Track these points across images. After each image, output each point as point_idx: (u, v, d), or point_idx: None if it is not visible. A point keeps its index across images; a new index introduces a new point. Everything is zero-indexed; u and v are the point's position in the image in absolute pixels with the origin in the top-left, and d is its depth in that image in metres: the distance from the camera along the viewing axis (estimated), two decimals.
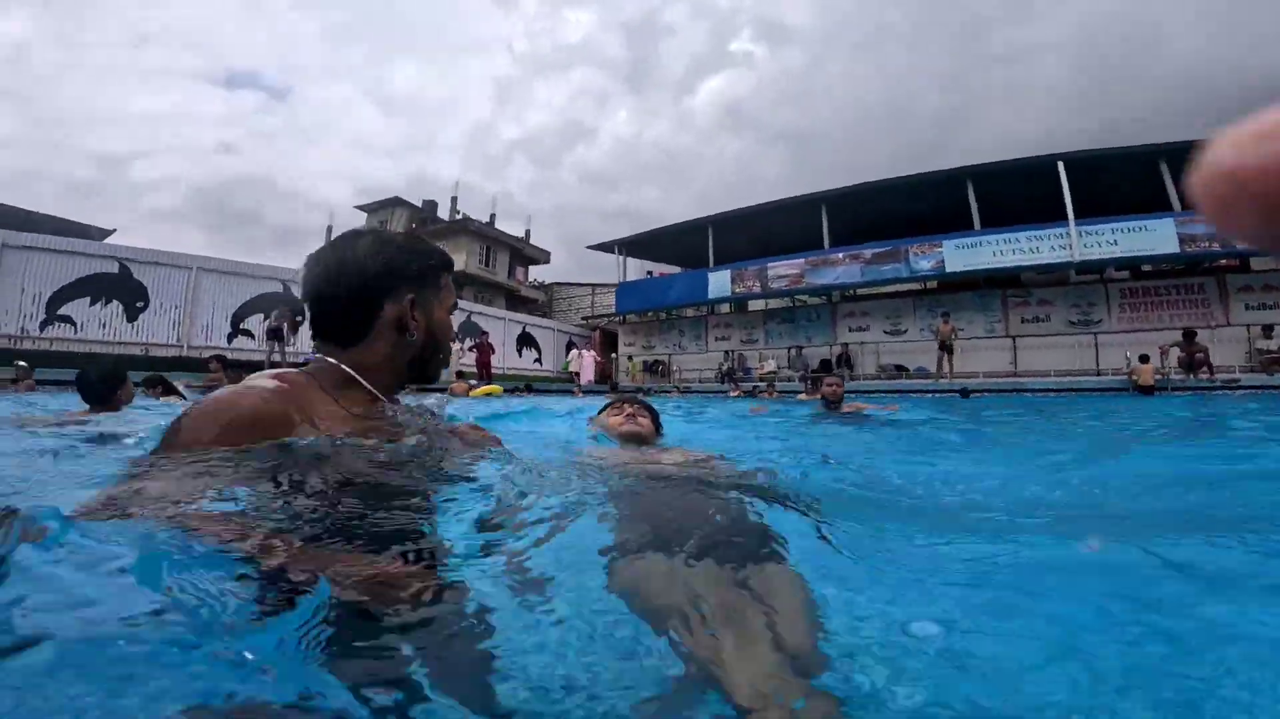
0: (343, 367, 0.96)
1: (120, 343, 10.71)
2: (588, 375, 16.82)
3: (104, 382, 3.03)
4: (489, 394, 9.83)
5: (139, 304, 10.98)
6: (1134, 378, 10.53)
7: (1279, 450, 3.45)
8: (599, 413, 2.20)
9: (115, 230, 17.36)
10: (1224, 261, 13.31)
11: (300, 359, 10.41)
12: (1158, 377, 10.53)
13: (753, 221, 17.47)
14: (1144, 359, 10.67)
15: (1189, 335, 11.35)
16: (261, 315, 12.09)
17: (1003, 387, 11.76)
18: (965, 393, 10.77)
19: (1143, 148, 12.77)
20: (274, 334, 10.81)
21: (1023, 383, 11.95)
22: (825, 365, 16.04)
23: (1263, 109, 0.19)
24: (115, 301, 10.80)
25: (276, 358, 10.72)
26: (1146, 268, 14.12)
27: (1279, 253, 0.20)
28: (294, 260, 14.54)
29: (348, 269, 0.96)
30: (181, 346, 11.28)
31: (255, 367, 9.92)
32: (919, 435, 4.05)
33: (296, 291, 12.96)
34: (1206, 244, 12.13)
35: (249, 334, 11.92)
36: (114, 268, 10.78)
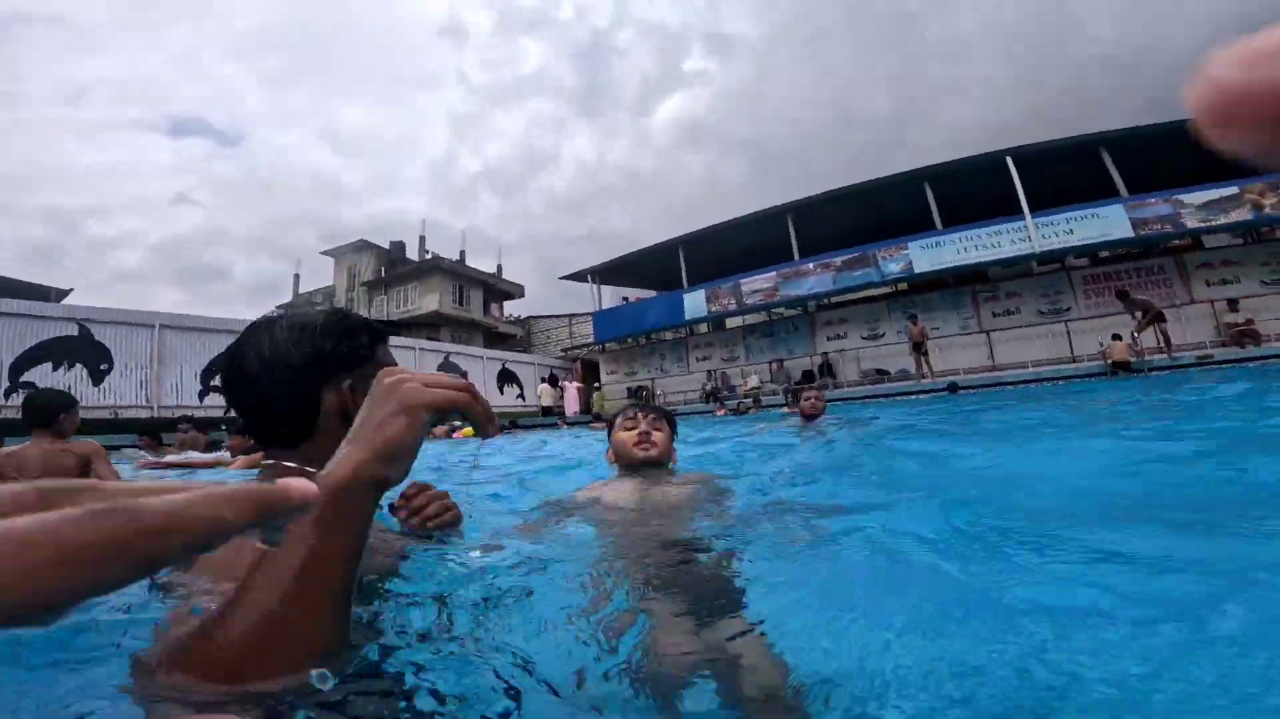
0: (304, 467, 0.84)
1: (87, 407, 10.27)
2: (572, 408, 16.72)
3: (51, 404, 3.04)
4: (467, 436, 9.63)
5: (103, 366, 10.63)
6: (1109, 358, 10.73)
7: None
8: (614, 427, 2.13)
9: (72, 290, 16.94)
10: (1178, 242, 13.75)
11: None
12: (1134, 357, 10.73)
13: (722, 238, 17.66)
14: (1116, 337, 10.90)
15: (1121, 295, 11.54)
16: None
17: (985, 381, 11.86)
18: (954, 388, 10.84)
19: (1084, 138, 13.32)
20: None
21: (1003, 376, 12.08)
22: (808, 376, 16.09)
23: (1262, 30, 0.20)
24: (79, 365, 10.46)
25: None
26: (1104, 254, 14.55)
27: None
28: (262, 311, 14.26)
29: (273, 367, 0.85)
30: (151, 408, 10.92)
31: (225, 423, 9.57)
32: (918, 436, 4.01)
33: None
34: (1159, 226, 12.59)
35: (220, 390, 11.62)
36: (74, 329, 10.45)
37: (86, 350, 10.52)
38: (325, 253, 28.69)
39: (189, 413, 10.83)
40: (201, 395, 11.39)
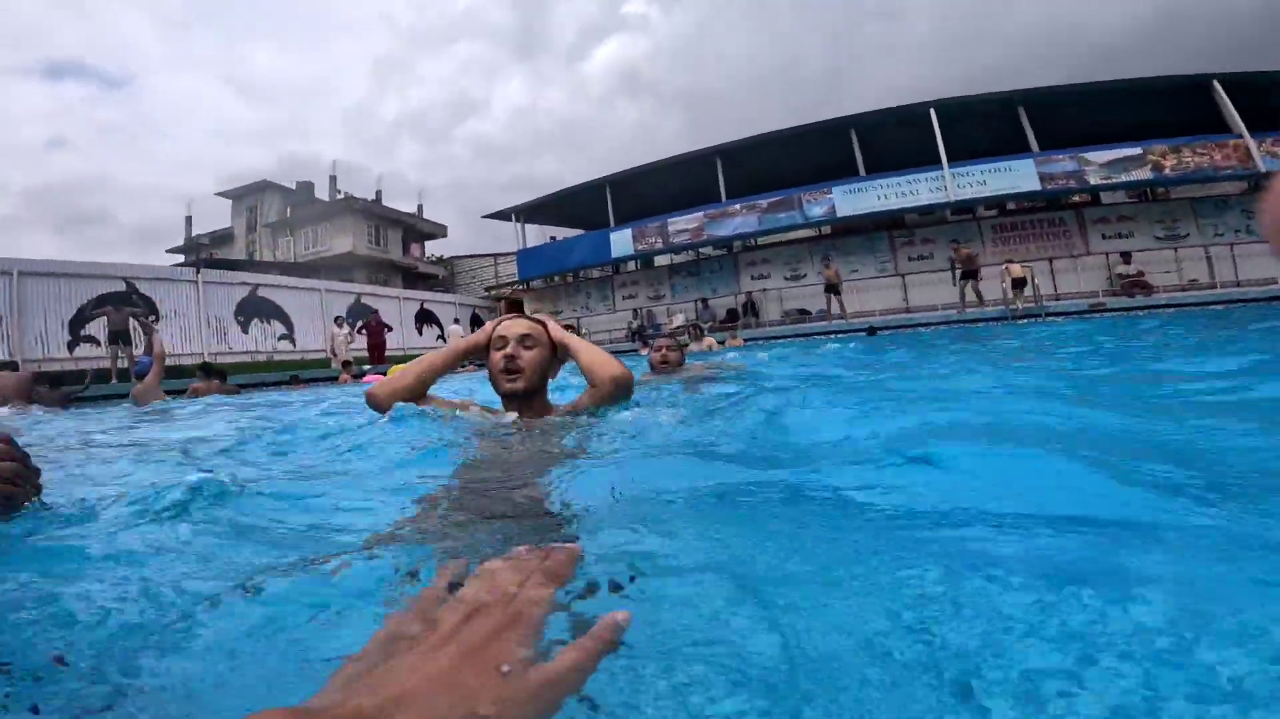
0: None
1: None
2: None
3: None
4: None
5: None
6: (1007, 276, 11.50)
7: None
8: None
9: None
10: (1078, 197, 14.48)
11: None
12: (1029, 304, 11.33)
13: (651, 179, 17.20)
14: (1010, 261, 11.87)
15: (962, 257, 12.76)
16: (104, 319, 10.77)
17: (901, 322, 12.25)
18: (872, 330, 11.13)
19: (1004, 94, 13.69)
20: (118, 337, 9.57)
21: (916, 318, 12.50)
22: (732, 314, 16.24)
23: None
24: None
25: (123, 364, 9.52)
26: (1011, 205, 15.17)
27: None
28: (152, 257, 12.89)
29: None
30: (15, 361, 9.79)
31: (104, 376, 8.72)
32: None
33: (146, 289, 11.62)
34: (1064, 181, 13.20)
35: (93, 340, 10.51)
36: None
37: None
38: (221, 194, 26.20)
39: (57, 365, 9.86)
40: (71, 346, 10.29)
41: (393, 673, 0.31)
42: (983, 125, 14.23)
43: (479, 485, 1.22)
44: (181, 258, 24.88)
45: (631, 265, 19.30)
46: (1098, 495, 0.99)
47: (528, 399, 1.71)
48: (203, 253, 24.42)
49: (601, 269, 19.35)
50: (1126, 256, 12.93)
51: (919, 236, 15.23)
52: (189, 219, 27.11)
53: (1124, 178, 13.11)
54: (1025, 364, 4.34)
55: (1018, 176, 13.35)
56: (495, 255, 25.66)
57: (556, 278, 20.12)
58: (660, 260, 19.01)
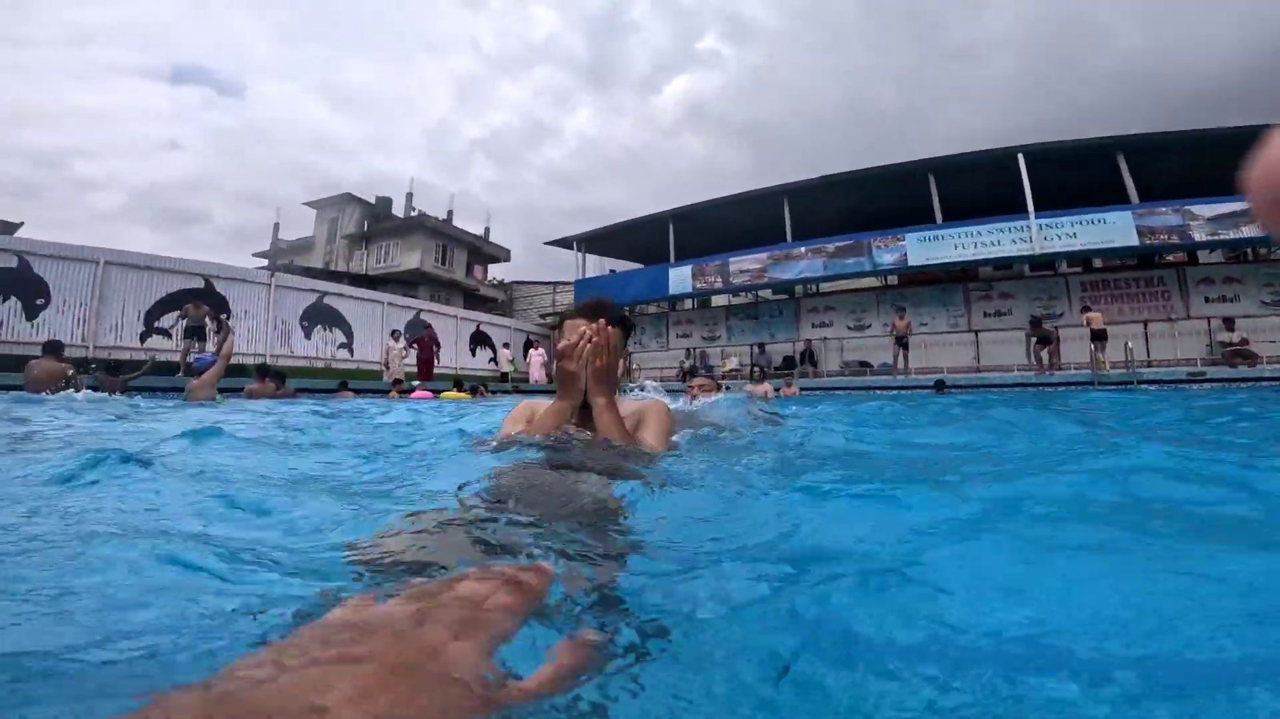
0: None
1: (18, 342, 9.69)
2: (536, 375, 16.21)
3: None
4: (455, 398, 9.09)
5: (39, 301, 9.95)
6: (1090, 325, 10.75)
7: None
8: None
9: (23, 224, 16.04)
10: (1175, 256, 13.39)
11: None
12: (1118, 369, 10.38)
13: (714, 215, 17.03)
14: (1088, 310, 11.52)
15: (1035, 322, 12.39)
16: (178, 313, 11.20)
17: (973, 382, 11.45)
18: (941, 386, 10.40)
19: (1101, 140, 12.78)
20: (193, 332, 9.92)
21: (988, 378, 11.66)
22: (788, 362, 15.69)
23: None
24: (13, 298, 9.78)
25: (193, 358, 9.80)
26: (1097, 263, 14.16)
27: None
28: (240, 259, 13.48)
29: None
30: (87, 347, 10.27)
31: (172, 368, 8.99)
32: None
33: (222, 288, 12.10)
34: (1165, 237, 12.17)
35: (165, 333, 10.94)
36: (13, 261, 9.75)
37: (23, 283, 9.82)
38: (308, 204, 27.65)
39: (128, 354, 10.26)
40: (143, 337, 10.72)
41: (320, 663, 0.28)
42: (1075, 173, 13.36)
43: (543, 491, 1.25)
44: (264, 262, 26.21)
45: (688, 303, 19.06)
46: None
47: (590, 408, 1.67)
48: (283, 259, 25.67)
49: (658, 305, 19.18)
50: (1230, 323, 11.75)
51: (996, 291, 14.37)
52: (276, 225, 28.63)
53: (1231, 234, 11.95)
54: (1115, 440, 3.63)
55: (1113, 230, 12.32)
56: (554, 284, 25.97)
57: None
58: (718, 300, 18.70)
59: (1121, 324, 12.56)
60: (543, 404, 1.74)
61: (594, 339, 1.56)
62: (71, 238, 10.99)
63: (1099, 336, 10.97)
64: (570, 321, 1.65)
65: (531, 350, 17.27)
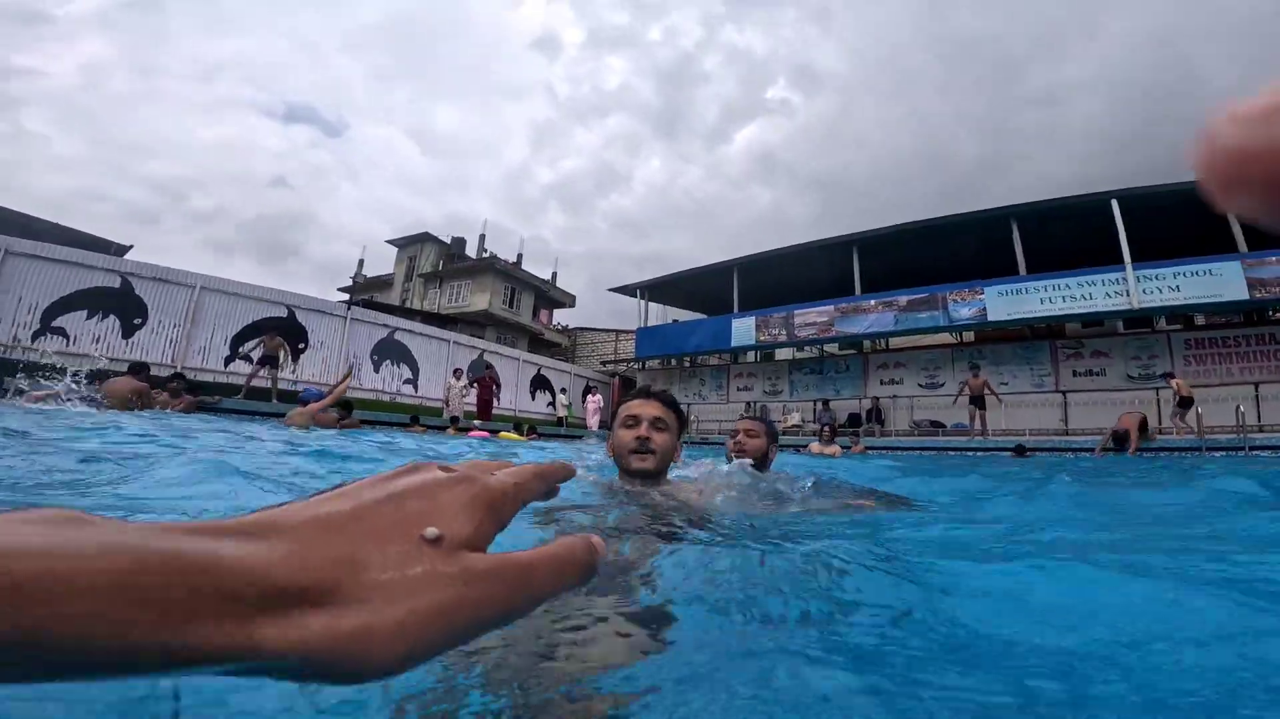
0: None
1: (112, 358, 10.36)
2: (591, 422, 16.15)
3: None
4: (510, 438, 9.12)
5: (136, 320, 10.69)
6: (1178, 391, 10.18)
7: None
8: (616, 420, 1.92)
9: (132, 247, 17.53)
10: None
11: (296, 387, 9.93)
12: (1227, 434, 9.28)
13: (780, 265, 16.79)
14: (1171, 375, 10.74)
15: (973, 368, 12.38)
16: (255, 340, 11.85)
17: (1056, 445, 10.51)
18: (1021, 450, 9.56)
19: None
20: (267, 361, 10.41)
21: (1074, 441, 10.67)
22: (854, 420, 14.97)
23: (1261, 86, 0.20)
24: (113, 316, 10.54)
25: (263, 382, 10.27)
26: (1199, 319, 12.97)
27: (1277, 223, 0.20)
28: (327, 293, 14.29)
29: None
30: (175, 367, 10.88)
31: (210, 389, 9.38)
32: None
33: (302, 318, 12.71)
34: (1279, 289, 11.00)
35: (248, 359, 11.49)
36: (116, 281, 10.56)
37: (124, 303, 10.59)
38: (390, 242, 29.36)
39: (210, 376, 10.80)
40: (228, 361, 11.29)
41: (287, 513, 0.25)
42: (1174, 221, 12.30)
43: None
44: (347, 296, 27.73)
45: (750, 356, 18.67)
46: None
47: (654, 480, 1.75)
48: (361, 294, 27.09)
49: (719, 356, 18.88)
50: None
51: (1088, 349, 13.32)
52: (361, 262, 30.43)
53: None
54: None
55: (1220, 282, 11.20)
56: (617, 331, 26.17)
57: (673, 360, 19.91)
58: (782, 354, 18.25)
59: (1230, 386, 11.41)
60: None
61: None
62: (175, 263, 11.83)
63: (1185, 404, 9.97)
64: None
65: (590, 397, 17.26)
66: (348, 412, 8.47)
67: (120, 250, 16.25)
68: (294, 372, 12.32)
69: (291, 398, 10.97)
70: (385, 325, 14.30)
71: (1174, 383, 10.44)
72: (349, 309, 13.51)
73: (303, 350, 12.47)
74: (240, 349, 11.61)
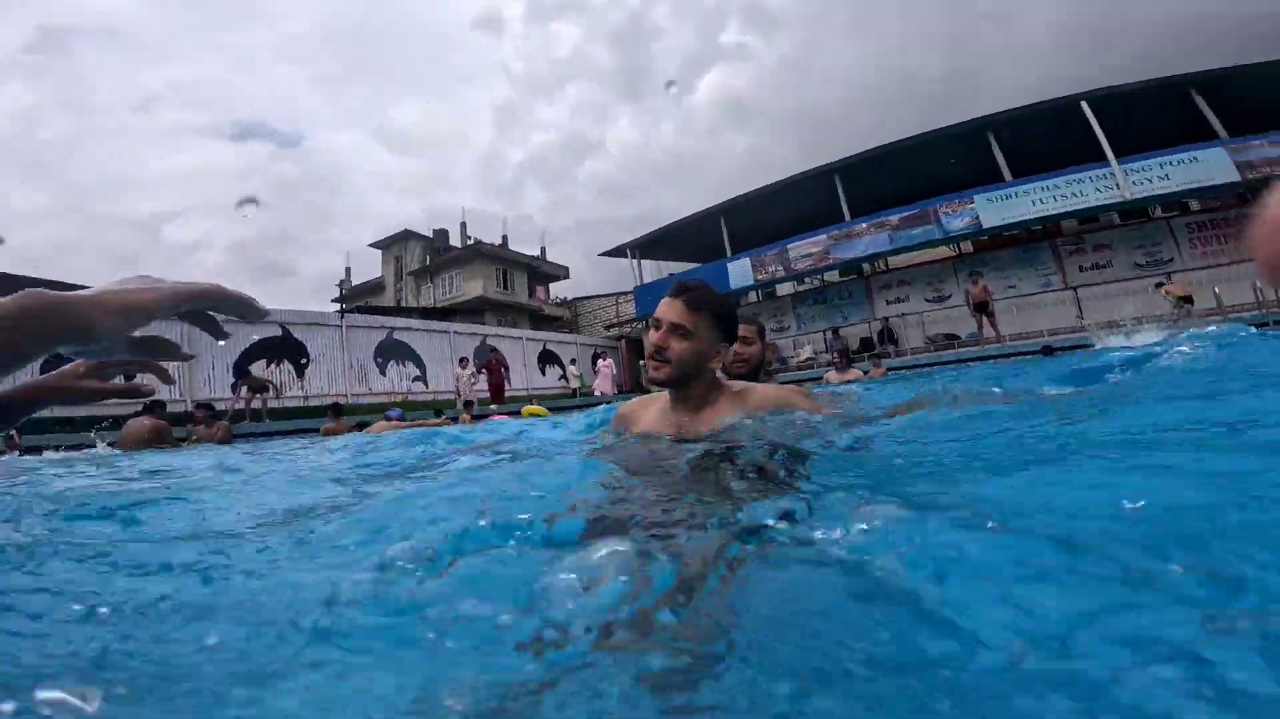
0: None
1: (117, 401, 10.42)
2: (603, 387, 15.96)
3: None
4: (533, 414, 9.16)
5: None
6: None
7: None
8: None
9: None
10: None
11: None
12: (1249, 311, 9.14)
13: (767, 203, 16.48)
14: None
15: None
16: (265, 361, 11.83)
17: (1079, 342, 10.39)
18: (1049, 350, 9.46)
19: (1172, 79, 11.73)
20: (254, 391, 10.50)
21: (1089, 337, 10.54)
22: (866, 344, 14.88)
23: None
24: None
25: (254, 404, 10.29)
26: (1194, 206, 12.73)
27: None
28: (323, 305, 14.09)
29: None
30: (184, 400, 10.92)
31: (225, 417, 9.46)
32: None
33: (299, 334, 12.65)
34: (1268, 169, 10.89)
35: (261, 382, 11.51)
36: None
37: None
38: (373, 245, 28.98)
39: (224, 404, 10.84)
40: (234, 388, 11.30)
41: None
42: (1150, 116, 12.14)
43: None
44: (339, 306, 27.65)
45: (752, 296, 18.51)
46: None
47: (681, 390, 1.57)
48: (358, 302, 26.97)
49: None
50: None
51: (1090, 243, 13.09)
52: (347, 270, 30.22)
53: None
54: None
55: (1208, 168, 11.11)
56: (616, 295, 25.96)
57: None
58: (783, 289, 18.07)
59: (1241, 264, 11.22)
60: (651, 402, 1.72)
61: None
62: None
63: (1186, 301, 9.88)
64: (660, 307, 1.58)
65: (601, 362, 17.09)
66: (338, 414, 8.51)
67: None
68: (303, 388, 12.35)
69: (309, 413, 11.05)
70: (383, 327, 14.24)
71: (1166, 290, 10.30)
72: (343, 317, 13.42)
73: (305, 366, 12.45)
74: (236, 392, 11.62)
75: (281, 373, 12.14)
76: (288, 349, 12.19)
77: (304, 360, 12.43)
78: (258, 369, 11.70)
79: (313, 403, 11.86)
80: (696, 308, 1.51)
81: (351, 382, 13.22)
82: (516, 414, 10.53)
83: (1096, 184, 11.89)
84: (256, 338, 11.94)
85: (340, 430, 7.99)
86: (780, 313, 17.59)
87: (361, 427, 7.71)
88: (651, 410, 1.68)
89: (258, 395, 10.55)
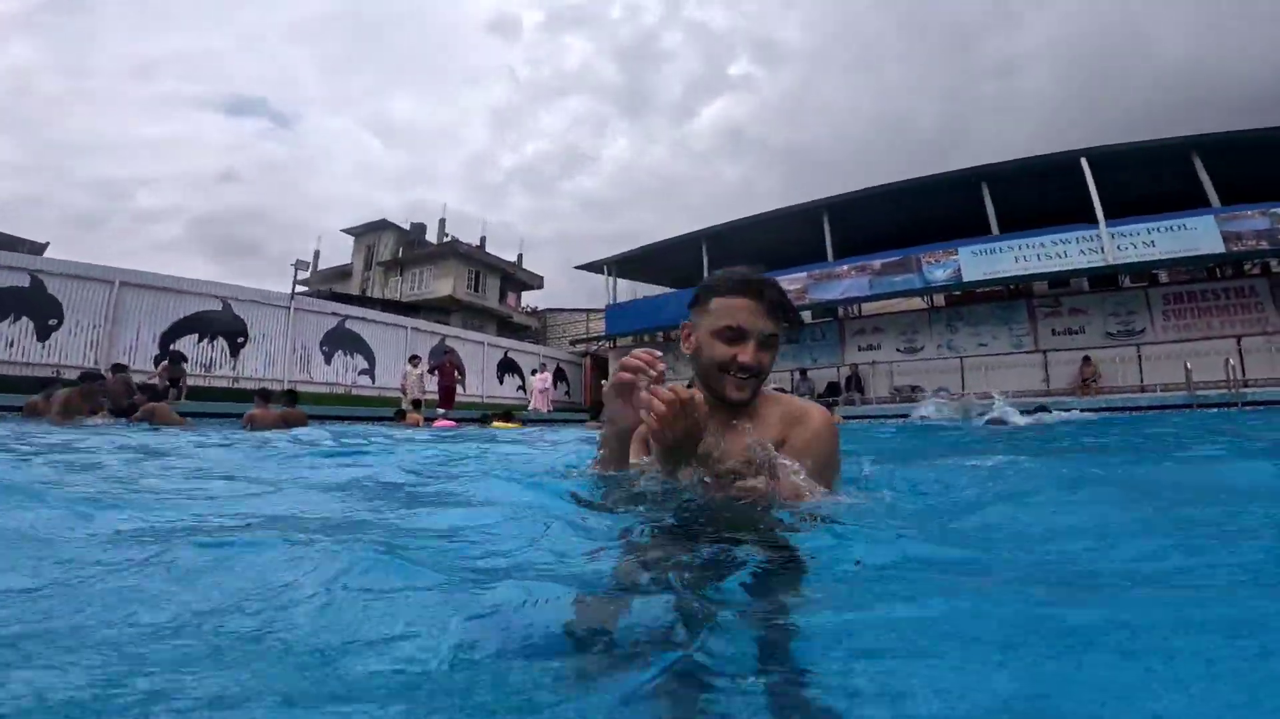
0: None
1: (28, 363, 9.47)
2: (537, 403, 15.24)
3: None
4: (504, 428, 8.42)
5: (51, 321, 9.74)
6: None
7: None
8: None
9: (49, 244, 16.30)
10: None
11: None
12: (1218, 390, 9.02)
13: (750, 234, 16.19)
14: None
15: None
16: (196, 336, 10.96)
17: (1039, 405, 10.17)
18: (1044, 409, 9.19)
19: (1174, 141, 11.67)
20: (173, 371, 9.45)
21: (1064, 402, 10.34)
22: (832, 389, 14.58)
23: None
24: (25, 318, 9.58)
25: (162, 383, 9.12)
26: (1163, 277, 12.82)
27: None
28: (286, 286, 13.33)
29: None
30: (101, 370, 9.98)
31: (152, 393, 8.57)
32: None
33: (240, 310, 11.81)
34: (1254, 242, 10.89)
35: (182, 357, 10.57)
36: (25, 280, 9.59)
37: (35, 303, 9.63)
38: (345, 231, 28.10)
39: (143, 377, 9.87)
40: (157, 361, 10.38)
41: None
42: (1146, 178, 12.14)
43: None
44: (305, 289, 26.57)
45: None
46: None
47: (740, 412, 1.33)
48: (323, 286, 25.92)
49: None
50: None
51: (1067, 306, 13.02)
52: (316, 253, 29.15)
53: None
54: None
55: (1195, 236, 11.06)
56: (588, 310, 25.45)
57: (645, 336, 19.31)
58: None
59: (1212, 339, 11.19)
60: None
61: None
62: (135, 265, 10.87)
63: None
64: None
65: (536, 376, 16.11)
66: (292, 401, 7.68)
67: (37, 249, 15.05)
68: (235, 369, 11.48)
69: (236, 396, 10.18)
70: (335, 314, 13.46)
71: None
72: (292, 299, 12.62)
73: (242, 345, 11.60)
74: (172, 347, 10.69)
75: (213, 349, 11.27)
76: (224, 325, 11.35)
77: (241, 339, 11.58)
78: (186, 345, 10.82)
79: (242, 385, 11.00)
80: (783, 314, 1.32)
81: (293, 367, 12.38)
82: (474, 422, 9.80)
83: (1081, 245, 11.79)
84: (193, 310, 11.09)
85: (267, 419, 7.15)
86: None
87: (289, 423, 6.93)
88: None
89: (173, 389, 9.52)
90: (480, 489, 1.67)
